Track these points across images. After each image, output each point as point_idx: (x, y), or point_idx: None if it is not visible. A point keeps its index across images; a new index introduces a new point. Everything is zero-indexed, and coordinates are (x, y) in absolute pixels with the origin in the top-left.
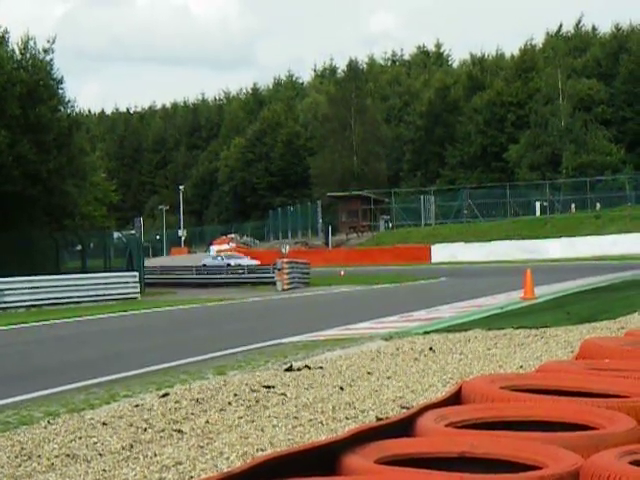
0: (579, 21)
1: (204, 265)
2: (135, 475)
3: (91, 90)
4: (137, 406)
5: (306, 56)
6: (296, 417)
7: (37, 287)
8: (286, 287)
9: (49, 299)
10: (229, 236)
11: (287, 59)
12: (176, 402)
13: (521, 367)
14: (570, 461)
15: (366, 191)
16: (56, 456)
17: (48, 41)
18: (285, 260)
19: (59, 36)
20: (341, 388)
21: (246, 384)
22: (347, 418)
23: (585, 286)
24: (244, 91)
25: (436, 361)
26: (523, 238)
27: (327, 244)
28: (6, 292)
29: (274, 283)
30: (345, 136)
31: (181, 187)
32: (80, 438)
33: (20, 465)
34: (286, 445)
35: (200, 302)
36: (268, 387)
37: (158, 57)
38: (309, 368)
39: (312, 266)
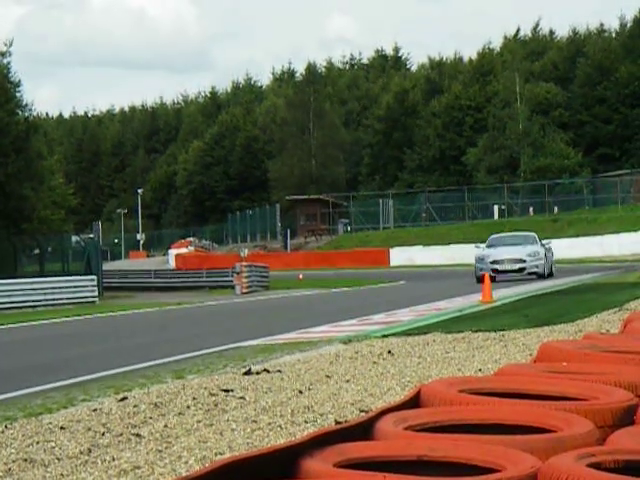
0: (537, 25)
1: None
2: (93, 479)
3: (49, 94)
4: (95, 410)
5: (264, 60)
6: (255, 421)
7: None
8: (245, 291)
9: (6, 303)
10: (188, 240)
11: (245, 63)
12: (134, 406)
13: (480, 370)
14: (528, 464)
15: (325, 195)
16: (13, 461)
17: (5, 44)
18: (244, 264)
19: (16, 39)
20: (300, 392)
21: (205, 388)
22: (306, 422)
23: (543, 289)
24: (202, 95)
25: (395, 364)
26: (481, 241)
27: (286, 248)
28: None
29: (233, 287)
30: (304, 140)
31: (139, 191)
32: (38, 442)
33: None
34: (245, 449)
35: (158, 306)
36: (227, 391)
37: (116, 60)
38: (268, 372)
39: (271, 270)
